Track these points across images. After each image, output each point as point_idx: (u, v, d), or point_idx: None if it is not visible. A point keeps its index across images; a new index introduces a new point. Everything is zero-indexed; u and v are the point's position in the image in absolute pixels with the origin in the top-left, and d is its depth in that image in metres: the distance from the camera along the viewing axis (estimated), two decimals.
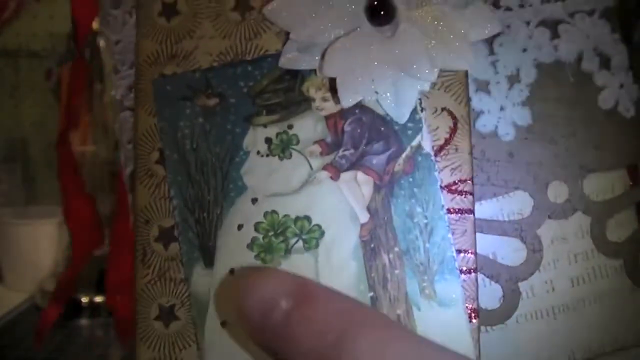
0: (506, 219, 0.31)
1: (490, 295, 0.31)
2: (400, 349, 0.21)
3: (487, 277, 0.31)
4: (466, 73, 0.30)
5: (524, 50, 0.32)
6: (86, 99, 0.68)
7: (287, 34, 0.30)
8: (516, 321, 0.31)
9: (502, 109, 0.31)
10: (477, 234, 0.30)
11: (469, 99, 0.30)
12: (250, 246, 0.30)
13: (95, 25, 0.68)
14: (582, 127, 0.32)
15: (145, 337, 0.30)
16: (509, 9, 0.32)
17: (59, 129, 0.39)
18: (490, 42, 0.31)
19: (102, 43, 0.68)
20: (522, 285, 0.31)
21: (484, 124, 0.31)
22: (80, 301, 0.71)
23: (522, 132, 0.31)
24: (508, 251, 0.31)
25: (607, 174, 0.32)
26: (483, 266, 0.30)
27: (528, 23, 0.32)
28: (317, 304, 0.23)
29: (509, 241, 0.31)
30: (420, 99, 0.30)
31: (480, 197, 0.30)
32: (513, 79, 0.32)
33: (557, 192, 0.32)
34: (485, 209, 0.31)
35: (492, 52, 0.32)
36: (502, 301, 0.31)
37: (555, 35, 0.32)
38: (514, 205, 0.31)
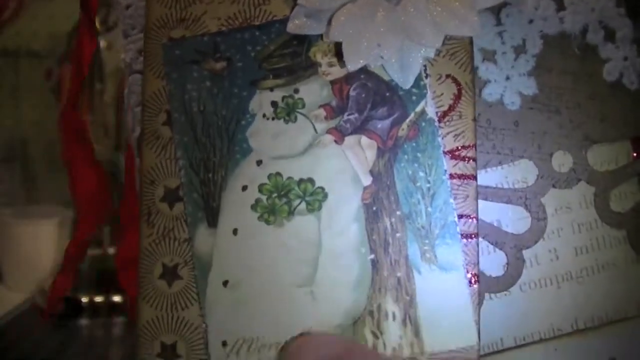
0: (511, 186, 0.32)
1: (495, 262, 0.31)
2: None
3: (492, 244, 0.32)
4: (471, 40, 0.31)
5: (530, 21, 0.33)
6: (86, 98, 0.69)
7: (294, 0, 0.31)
8: (520, 289, 0.32)
9: (508, 78, 0.32)
10: (482, 202, 0.31)
11: (473, 66, 0.31)
12: (254, 207, 0.31)
13: (96, 24, 0.69)
14: (586, 98, 0.33)
15: (148, 296, 0.31)
16: None
17: (68, 95, 0.40)
18: (497, 12, 0.32)
19: (102, 43, 0.69)
20: (527, 253, 0.32)
21: (490, 92, 0.32)
22: (80, 301, 0.72)
23: (527, 102, 0.32)
24: (513, 219, 0.32)
25: (611, 145, 0.33)
26: (487, 233, 0.31)
27: None
28: None
29: (514, 209, 0.32)
30: (425, 66, 0.31)
31: (485, 165, 0.31)
32: (519, 50, 0.32)
33: (562, 161, 0.32)
34: (490, 176, 0.32)
35: (499, 22, 0.32)
36: (506, 269, 0.32)
37: (561, 7, 0.33)
38: (518, 173, 0.32)
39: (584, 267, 0.32)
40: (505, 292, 0.32)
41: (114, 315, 0.66)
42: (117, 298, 0.67)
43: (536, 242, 0.32)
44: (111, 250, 0.74)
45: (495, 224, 0.32)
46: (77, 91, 0.38)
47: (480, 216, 0.30)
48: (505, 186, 0.32)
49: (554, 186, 0.32)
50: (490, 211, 0.31)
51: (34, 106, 0.89)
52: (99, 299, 0.73)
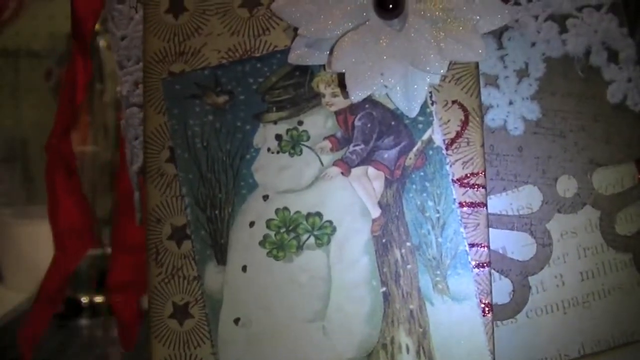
0: (516, 213, 0.32)
1: (501, 290, 0.32)
2: None
3: (497, 271, 0.32)
4: (477, 65, 0.31)
5: (533, 44, 0.33)
6: (86, 99, 0.70)
7: (296, 29, 0.31)
8: (526, 316, 0.32)
9: (511, 103, 0.32)
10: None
11: (480, 91, 0.31)
12: (262, 243, 0.31)
13: (95, 25, 0.69)
14: (590, 121, 0.33)
15: (160, 335, 0.31)
16: (517, 3, 0.33)
17: (58, 125, 0.39)
18: (498, 36, 0.32)
19: (102, 43, 0.70)
20: (532, 280, 0.33)
21: (493, 118, 0.32)
22: (80, 301, 0.73)
23: (531, 127, 0.32)
24: (518, 246, 0.32)
25: (616, 168, 0.33)
26: (493, 261, 0.31)
27: (536, 17, 0.33)
28: None
29: (519, 235, 0.32)
30: (430, 93, 0.31)
31: (489, 192, 0.32)
32: (522, 73, 0.33)
33: (566, 186, 0.33)
34: (494, 203, 0.32)
35: (500, 46, 0.33)
36: (512, 296, 0.32)
37: (563, 29, 0.33)
38: (523, 199, 0.33)
39: (590, 291, 0.33)
40: (511, 320, 0.32)
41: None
42: None
43: (542, 268, 0.33)
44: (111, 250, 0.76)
45: (500, 252, 0.32)
46: (68, 119, 0.38)
47: None
48: (510, 213, 0.33)
49: (559, 211, 0.33)
50: (495, 238, 0.32)
51: (34, 106, 0.90)
52: (99, 299, 0.76)
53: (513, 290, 0.33)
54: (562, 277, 0.33)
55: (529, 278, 0.33)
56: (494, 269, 0.32)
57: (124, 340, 0.43)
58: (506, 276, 0.32)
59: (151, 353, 0.32)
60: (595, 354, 0.34)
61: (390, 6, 0.32)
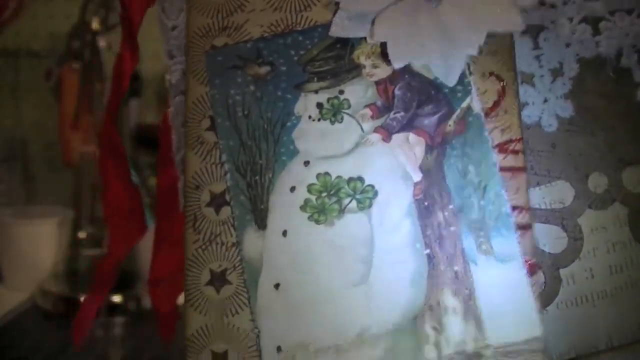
0: (549, 207, 0.33)
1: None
2: None
3: None
4: (512, 39, 0.33)
5: (567, 45, 0.35)
6: (86, 99, 0.71)
7: (337, 4, 0.33)
8: (557, 307, 0.33)
9: (545, 101, 0.34)
10: None
11: (515, 64, 0.33)
12: (303, 207, 0.31)
13: (95, 25, 0.71)
14: (621, 120, 0.35)
15: (196, 304, 0.31)
16: (553, 6, 0.36)
17: (108, 114, 0.40)
18: (535, 36, 0.35)
19: (102, 43, 0.71)
20: (563, 272, 0.33)
21: (529, 115, 0.34)
22: (80, 301, 0.71)
23: (564, 124, 0.34)
24: (550, 239, 0.34)
25: None
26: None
27: (571, 19, 0.36)
28: None
29: (551, 229, 0.34)
30: (468, 64, 0.32)
31: None
32: (556, 73, 0.35)
33: (597, 182, 0.35)
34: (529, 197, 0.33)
35: (536, 46, 0.35)
36: (543, 287, 0.33)
37: (596, 32, 0.35)
38: (555, 194, 0.34)
39: (618, 285, 0.34)
40: (542, 311, 0.32)
41: (114, 315, 0.65)
42: (117, 298, 0.67)
43: (573, 261, 0.34)
44: None
45: None
46: (116, 107, 0.39)
47: None
48: (543, 207, 0.34)
49: (589, 207, 0.34)
50: None
51: (34, 106, 0.91)
52: None
53: (545, 282, 0.33)
54: (591, 271, 0.34)
55: (560, 270, 0.34)
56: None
57: (164, 333, 0.42)
58: (538, 268, 0.33)
59: (186, 322, 0.32)
60: (621, 346, 0.34)
61: None
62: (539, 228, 0.34)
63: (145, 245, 0.43)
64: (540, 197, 0.35)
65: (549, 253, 0.34)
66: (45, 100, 0.83)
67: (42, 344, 0.61)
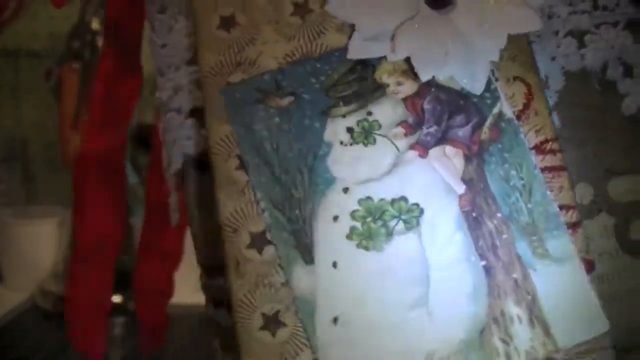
0: None
1: None
2: None
3: None
4: (528, 42, 0.33)
5: (553, 58, 0.36)
6: (87, 99, 0.70)
7: (351, 27, 0.33)
8: None
9: None
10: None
11: (537, 67, 0.33)
12: (349, 236, 0.31)
13: (95, 25, 0.70)
14: (607, 131, 0.36)
15: (251, 351, 0.30)
16: None
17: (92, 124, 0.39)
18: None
19: (102, 43, 0.70)
20: None
21: None
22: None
23: None
24: None
25: (631, 177, 0.36)
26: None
27: (557, 33, 0.36)
28: None
29: None
30: (492, 70, 0.32)
31: None
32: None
33: (583, 193, 0.35)
34: None
35: None
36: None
37: (582, 44, 0.36)
38: None
39: (605, 294, 0.33)
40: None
41: (114, 315, 0.64)
42: (117, 298, 0.65)
43: None
44: None
45: None
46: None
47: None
48: None
49: None
50: None
51: (34, 106, 0.90)
52: None
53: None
54: None
55: None
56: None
57: (145, 343, 0.40)
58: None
59: None
60: None
61: None
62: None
63: None
64: None
65: None
66: (45, 100, 0.83)
67: (42, 344, 0.61)
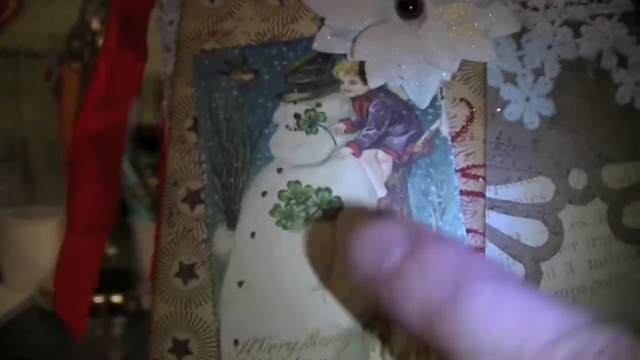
0: (530, 202, 0.35)
1: None
2: (518, 305, 0.22)
3: (511, 256, 0.34)
4: (484, 67, 0.35)
5: (549, 47, 0.37)
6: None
7: (322, 19, 0.35)
8: None
9: (527, 99, 0.36)
10: (503, 215, 0.34)
11: (486, 92, 0.34)
12: (272, 212, 0.34)
13: (95, 25, 0.72)
14: (601, 119, 0.37)
15: (164, 293, 0.33)
16: (535, 9, 0.37)
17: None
18: (518, 38, 0.36)
19: (102, 43, 0.73)
20: (544, 266, 0.35)
21: (511, 112, 0.36)
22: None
23: (546, 122, 0.36)
24: (531, 232, 0.35)
25: (624, 165, 0.37)
26: (507, 246, 0.34)
27: (553, 22, 0.37)
28: (432, 254, 0.24)
29: (533, 223, 0.35)
30: (441, 88, 0.34)
31: (506, 180, 0.35)
32: (538, 73, 0.36)
33: (577, 179, 0.36)
34: (511, 191, 0.35)
35: (519, 47, 0.36)
36: (524, 280, 0.34)
37: (577, 34, 0.37)
38: (536, 189, 0.36)
39: (598, 279, 0.35)
40: None
41: (114, 315, 0.67)
42: (117, 298, 0.69)
43: (553, 254, 0.35)
44: (111, 251, 0.76)
45: (514, 237, 0.35)
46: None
47: (501, 229, 0.34)
48: (525, 201, 0.36)
49: (570, 202, 0.36)
50: (510, 225, 0.35)
51: (34, 106, 0.93)
52: (99, 299, 0.77)
53: (525, 275, 0.35)
54: (571, 265, 0.36)
55: (541, 264, 0.36)
56: (508, 254, 0.35)
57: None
58: (519, 261, 0.35)
59: (152, 309, 0.34)
60: None
61: (411, 7, 0.35)
62: (520, 222, 0.36)
63: (146, 246, 0.44)
64: (522, 192, 0.36)
65: (530, 246, 0.36)
66: (45, 100, 0.85)
67: (42, 344, 0.62)
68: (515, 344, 0.21)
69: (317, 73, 0.36)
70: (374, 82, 0.34)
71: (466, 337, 0.22)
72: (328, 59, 0.36)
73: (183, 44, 0.37)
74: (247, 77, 0.36)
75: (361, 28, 0.35)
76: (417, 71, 0.35)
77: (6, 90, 0.94)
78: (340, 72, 0.36)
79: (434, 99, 0.35)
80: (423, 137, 0.35)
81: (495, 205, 0.35)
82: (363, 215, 0.33)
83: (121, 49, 0.40)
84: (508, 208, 0.36)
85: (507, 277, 0.24)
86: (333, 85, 0.36)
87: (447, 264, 0.23)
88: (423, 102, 0.35)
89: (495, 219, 0.35)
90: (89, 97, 0.40)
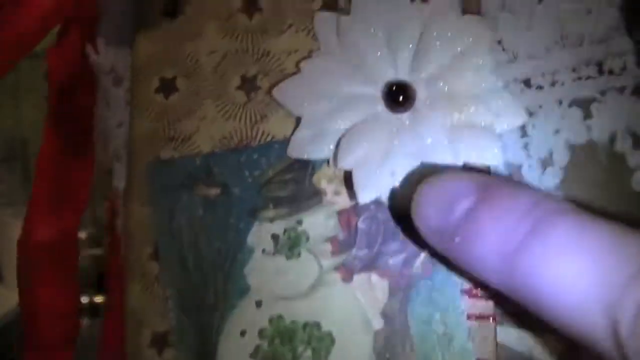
0: None
1: None
2: (594, 241, 0.22)
3: None
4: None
5: (557, 131, 0.32)
6: None
7: (298, 119, 0.29)
8: None
9: None
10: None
11: None
12: (253, 355, 0.29)
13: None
14: (617, 210, 0.32)
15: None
16: (540, 87, 0.32)
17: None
18: (522, 124, 0.31)
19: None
20: None
21: None
22: (80, 301, 0.72)
23: None
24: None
25: None
26: None
27: (560, 102, 0.32)
28: (503, 196, 0.24)
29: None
30: None
31: None
32: (546, 163, 0.32)
33: None
34: None
35: (524, 134, 0.32)
36: None
37: (587, 115, 0.32)
38: None
39: None
40: None
41: None
42: None
43: None
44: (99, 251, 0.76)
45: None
46: None
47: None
48: None
49: None
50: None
51: (34, 106, 0.90)
52: (99, 299, 0.77)
53: None
54: None
55: None
56: None
57: None
58: None
59: None
60: None
61: (401, 98, 0.30)
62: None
63: None
64: None
65: None
66: (45, 100, 0.82)
67: None
68: (601, 275, 0.21)
69: (295, 183, 0.31)
70: (363, 197, 0.29)
71: (550, 275, 0.21)
72: (307, 166, 0.31)
73: (136, 152, 0.31)
74: (214, 191, 0.31)
75: (344, 128, 0.30)
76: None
77: (6, 90, 0.90)
78: (322, 180, 0.31)
79: None
80: (422, 256, 0.30)
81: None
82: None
83: (61, 154, 0.34)
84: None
85: (582, 212, 0.23)
86: (314, 197, 0.31)
87: (520, 204, 0.23)
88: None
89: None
90: (31, 206, 0.35)
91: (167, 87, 0.31)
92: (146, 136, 0.31)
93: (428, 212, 0.26)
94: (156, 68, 0.31)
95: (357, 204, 0.30)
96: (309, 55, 0.31)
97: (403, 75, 0.31)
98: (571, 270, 0.21)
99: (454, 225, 0.24)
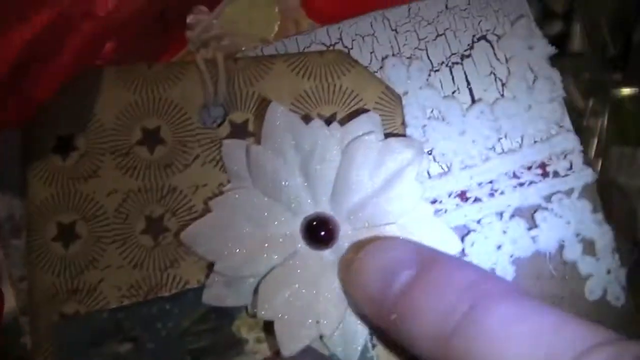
0: None
1: None
2: (533, 325, 0.21)
3: None
4: None
5: (499, 247, 0.29)
6: None
7: (211, 264, 0.27)
8: None
9: None
10: None
11: None
12: None
13: None
14: None
15: None
16: (478, 199, 0.29)
17: None
18: (461, 241, 0.29)
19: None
20: None
21: None
22: None
23: None
24: None
25: None
26: None
27: (501, 215, 0.30)
28: (443, 273, 0.23)
29: None
30: (371, 336, 0.27)
31: None
32: None
33: None
34: None
35: (462, 253, 0.29)
36: None
37: (532, 225, 0.30)
38: None
39: None
40: None
41: None
42: None
43: None
44: None
45: None
46: None
47: None
48: None
49: None
50: None
51: None
52: None
53: None
54: None
55: None
56: None
57: None
58: None
59: None
60: None
61: (323, 234, 0.28)
62: None
63: None
64: None
65: None
66: None
67: None
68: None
69: (213, 333, 0.28)
70: (288, 350, 0.27)
71: (483, 358, 0.21)
72: (225, 314, 0.28)
73: (37, 308, 0.28)
74: (124, 348, 0.28)
75: (262, 272, 0.27)
76: (340, 322, 0.27)
77: None
78: (242, 329, 0.28)
79: (364, 350, 0.28)
80: None
81: None
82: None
83: None
84: None
85: (524, 295, 0.23)
86: (235, 346, 0.28)
87: (461, 282, 0.22)
88: (351, 357, 0.28)
89: None
90: None
91: (66, 233, 0.28)
92: (47, 291, 0.28)
93: (369, 279, 0.25)
94: (52, 212, 0.28)
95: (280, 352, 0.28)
96: (218, 190, 0.28)
97: (323, 207, 0.28)
98: (508, 356, 0.20)
99: (392, 301, 0.23)
